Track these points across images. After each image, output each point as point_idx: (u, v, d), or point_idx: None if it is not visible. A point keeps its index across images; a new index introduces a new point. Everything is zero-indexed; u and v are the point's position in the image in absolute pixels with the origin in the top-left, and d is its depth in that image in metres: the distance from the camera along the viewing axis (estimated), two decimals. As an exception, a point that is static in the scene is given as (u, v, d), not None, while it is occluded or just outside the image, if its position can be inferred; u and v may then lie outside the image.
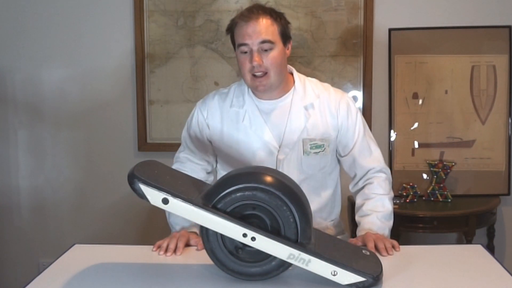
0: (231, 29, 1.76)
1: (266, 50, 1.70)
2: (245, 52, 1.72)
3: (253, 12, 1.71)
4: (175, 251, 1.61)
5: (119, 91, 3.09)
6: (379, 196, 1.80)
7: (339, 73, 3.00)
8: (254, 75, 1.72)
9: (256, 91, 1.79)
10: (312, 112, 1.81)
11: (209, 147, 1.89)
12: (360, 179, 1.87)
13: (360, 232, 1.75)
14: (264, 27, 1.69)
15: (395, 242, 1.65)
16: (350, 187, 1.92)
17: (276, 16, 1.73)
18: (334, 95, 1.85)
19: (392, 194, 1.85)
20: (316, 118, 1.81)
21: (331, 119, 1.82)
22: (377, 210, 1.77)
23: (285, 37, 1.75)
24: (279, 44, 1.72)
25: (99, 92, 3.10)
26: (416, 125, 3.00)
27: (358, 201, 1.85)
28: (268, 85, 1.74)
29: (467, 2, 2.97)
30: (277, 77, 1.74)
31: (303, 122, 1.80)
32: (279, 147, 1.80)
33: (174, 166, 1.90)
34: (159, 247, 1.63)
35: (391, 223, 1.80)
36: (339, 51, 2.99)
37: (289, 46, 1.79)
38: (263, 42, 1.69)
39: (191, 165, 1.89)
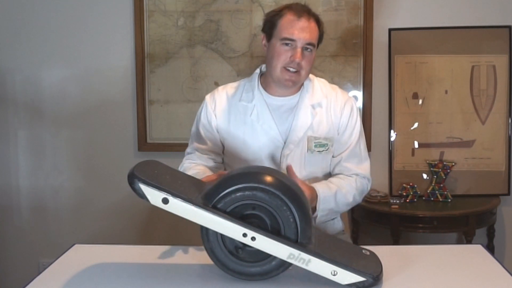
0: (273, 18, 1.76)
1: (307, 51, 1.74)
2: (287, 45, 1.73)
3: (304, 10, 1.74)
4: None
5: (119, 91, 3.09)
6: (350, 185, 1.82)
7: (339, 73, 3.00)
8: (285, 68, 1.74)
9: (283, 83, 1.79)
10: (319, 110, 1.83)
11: (217, 139, 1.90)
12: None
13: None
14: (312, 29, 1.73)
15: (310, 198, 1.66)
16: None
17: (319, 21, 1.78)
18: (341, 96, 1.88)
19: (359, 201, 1.87)
20: (322, 117, 1.84)
21: (335, 118, 1.85)
22: (340, 188, 1.78)
23: (319, 43, 1.80)
24: (315, 48, 1.77)
25: (99, 92, 3.10)
26: (416, 125, 3.01)
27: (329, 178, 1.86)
28: (296, 82, 1.78)
29: (467, 2, 2.97)
30: (305, 78, 1.80)
31: (310, 119, 1.82)
32: (284, 143, 1.82)
33: (184, 160, 1.92)
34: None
35: (336, 209, 1.80)
36: (339, 51, 2.99)
37: None
38: (309, 43, 1.73)
39: (198, 154, 1.91)
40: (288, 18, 1.73)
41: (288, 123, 1.82)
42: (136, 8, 3.00)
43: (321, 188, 1.75)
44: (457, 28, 2.96)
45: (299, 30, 1.71)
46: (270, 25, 1.77)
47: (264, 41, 1.82)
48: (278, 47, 1.74)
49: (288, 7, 1.76)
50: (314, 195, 1.72)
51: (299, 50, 1.71)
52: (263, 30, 1.81)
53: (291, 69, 1.74)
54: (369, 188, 1.91)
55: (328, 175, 1.90)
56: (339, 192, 1.78)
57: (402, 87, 3.00)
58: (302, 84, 1.85)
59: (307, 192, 1.64)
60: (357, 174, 1.87)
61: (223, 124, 1.87)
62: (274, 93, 1.84)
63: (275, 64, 1.76)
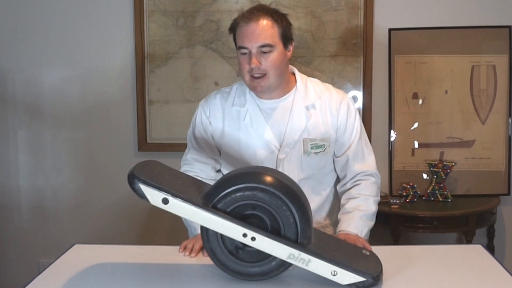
0: (233, 28, 1.76)
1: (265, 53, 1.70)
2: (245, 53, 1.72)
3: (254, 13, 1.71)
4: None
5: (119, 91, 3.09)
6: (364, 196, 1.81)
7: (339, 73, 3.00)
8: (252, 76, 1.73)
9: (254, 91, 1.79)
10: (313, 112, 1.81)
11: (213, 146, 1.89)
12: (349, 180, 1.87)
13: (338, 228, 1.76)
14: (264, 30, 1.69)
15: (366, 244, 1.65)
16: (338, 187, 1.91)
17: (277, 17, 1.72)
18: (335, 95, 1.86)
19: (378, 198, 1.86)
20: (317, 118, 1.81)
21: (331, 118, 1.83)
22: (359, 209, 1.78)
23: (286, 39, 1.75)
24: (279, 46, 1.72)
25: (99, 92, 3.10)
26: (416, 125, 3.01)
27: (343, 201, 1.85)
28: (266, 86, 1.75)
29: (467, 2, 2.97)
30: (276, 78, 1.75)
31: (304, 122, 1.80)
32: (280, 146, 1.80)
33: (183, 169, 1.90)
34: (185, 247, 1.65)
35: (372, 223, 1.81)
36: (339, 51, 2.99)
37: (291, 47, 1.78)
38: (262, 46, 1.69)
39: (199, 165, 1.89)
40: (240, 26, 1.72)
41: (282, 126, 1.80)
42: (136, 8, 3.00)
43: (348, 227, 1.74)
44: (457, 28, 2.96)
45: (248, 36, 1.69)
46: (233, 36, 1.77)
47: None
48: (239, 57, 1.74)
49: (241, 14, 1.75)
50: (351, 236, 1.71)
51: (253, 56, 1.69)
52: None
53: (255, 75, 1.72)
54: (379, 182, 1.90)
55: (326, 175, 1.89)
56: (361, 213, 1.77)
57: (402, 87, 3.00)
58: (295, 86, 1.83)
59: (353, 240, 1.65)
60: (362, 172, 1.85)
61: (218, 130, 1.86)
62: (264, 97, 1.82)
63: (242, 74, 1.76)
